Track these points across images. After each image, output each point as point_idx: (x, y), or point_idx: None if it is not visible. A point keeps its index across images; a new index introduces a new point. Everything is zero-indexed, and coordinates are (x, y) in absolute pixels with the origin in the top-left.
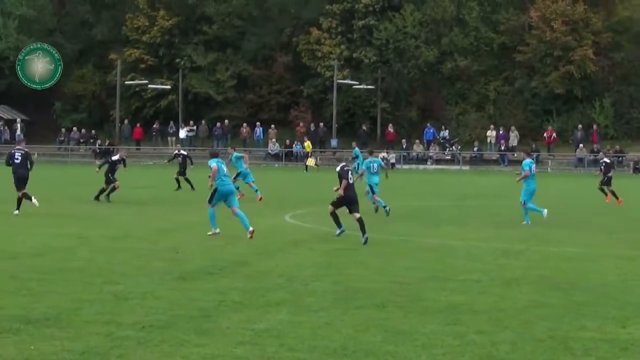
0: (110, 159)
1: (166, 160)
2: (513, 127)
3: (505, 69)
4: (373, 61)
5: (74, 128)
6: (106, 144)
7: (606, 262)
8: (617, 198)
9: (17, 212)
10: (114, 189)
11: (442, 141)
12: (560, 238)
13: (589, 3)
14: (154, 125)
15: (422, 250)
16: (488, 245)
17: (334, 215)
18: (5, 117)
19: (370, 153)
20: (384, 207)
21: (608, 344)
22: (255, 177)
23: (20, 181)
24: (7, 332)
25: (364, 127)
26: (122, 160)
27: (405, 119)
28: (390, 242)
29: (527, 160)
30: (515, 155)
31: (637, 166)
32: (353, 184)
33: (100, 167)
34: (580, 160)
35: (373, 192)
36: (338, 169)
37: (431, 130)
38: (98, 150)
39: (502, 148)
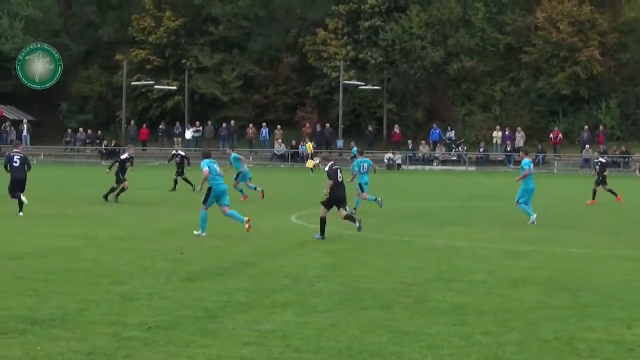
0: (119, 158)
1: (166, 161)
2: (519, 128)
3: (511, 70)
4: (379, 62)
5: (80, 129)
6: (112, 144)
7: (612, 263)
8: (615, 195)
9: (21, 213)
10: (122, 189)
11: (448, 142)
12: (566, 239)
13: (595, 4)
14: (160, 126)
15: (428, 251)
16: (494, 246)
17: (323, 222)
18: (11, 118)
19: (361, 153)
20: (375, 199)
21: (614, 345)
22: (260, 178)
23: (19, 186)
24: (13, 333)
25: (370, 128)
26: (130, 159)
27: (411, 119)
28: (396, 242)
29: (526, 160)
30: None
31: None
32: (342, 182)
33: (110, 168)
34: (587, 161)
35: (362, 191)
36: (327, 168)
37: (437, 131)
38: (104, 151)
39: (508, 149)
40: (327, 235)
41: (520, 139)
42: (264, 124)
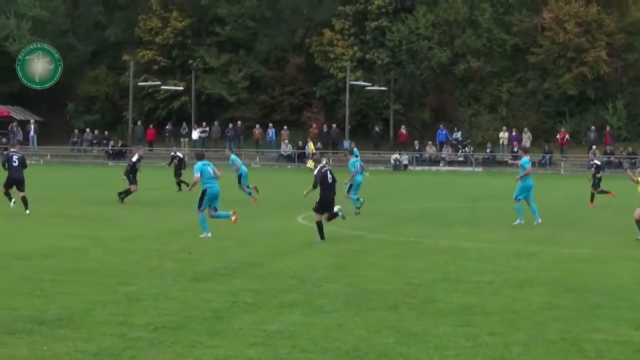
0: (131, 160)
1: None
2: (526, 129)
3: (518, 71)
4: (386, 62)
5: (87, 129)
6: (119, 145)
7: (619, 264)
8: (608, 192)
9: (27, 211)
10: (129, 192)
11: (454, 142)
12: (573, 240)
13: (602, 4)
14: (167, 127)
15: (434, 251)
16: (500, 246)
17: (319, 225)
18: (18, 118)
19: (351, 153)
20: (357, 201)
21: (621, 346)
22: (267, 179)
23: (19, 183)
24: (20, 333)
25: (377, 129)
26: (140, 159)
27: (418, 120)
28: (403, 243)
29: (526, 158)
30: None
31: None
32: (333, 184)
33: (126, 174)
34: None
35: (347, 192)
36: (315, 171)
37: (444, 132)
38: (111, 152)
39: (515, 149)
40: (326, 236)
41: (527, 139)
42: (270, 124)
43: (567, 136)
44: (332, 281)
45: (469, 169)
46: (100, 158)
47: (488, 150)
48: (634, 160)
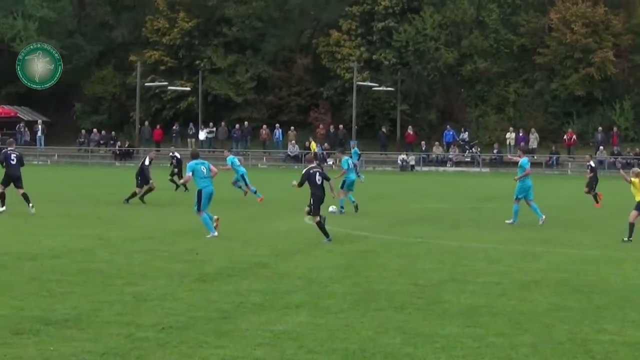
0: (144, 164)
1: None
2: (533, 129)
3: (525, 71)
4: (393, 63)
5: (94, 129)
6: (126, 145)
7: (626, 264)
8: (596, 202)
9: (31, 206)
10: (134, 194)
11: (461, 143)
12: (580, 240)
13: (609, 5)
14: (174, 127)
15: (441, 252)
16: (507, 247)
17: (320, 225)
18: (26, 119)
19: (343, 152)
20: (341, 207)
21: (628, 347)
22: (273, 179)
23: (16, 181)
24: (27, 333)
25: (384, 129)
26: (151, 162)
27: (425, 121)
28: (409, 244)
29: (525, 159)
30: (535, 157)
31: None
32: (322, 184)
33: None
34: (601, 162)
35: (341, 187)
36: (304, 170)
37: (451, 133)
38: (118, 152)
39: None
40: (332, 235)
41: (534, 140)
42: (277, 125)
43: (574, 137)
44: (339, 282)
45: (476, 169)
46: (107, 158)
47: (495, 151)
48: None
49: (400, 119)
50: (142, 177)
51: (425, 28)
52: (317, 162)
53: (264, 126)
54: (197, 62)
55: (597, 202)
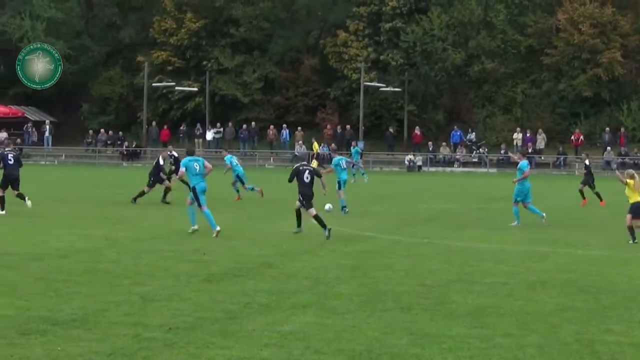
0: (158, 163)
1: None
2: (540, 130)
3: (532, 72)
4: (400, 64)
5: (102, 130)
6: (133, 145)
7: (633, 265)
8: (583, 198)
9: (28, 201)
10: (142, 193)
11: (469, 144)
12: (587, 241)
13: (617, 6)
14: (181, 127)
15: (448, 252)
16: (514, 248)
17: (316, 218)
18: (33, 119)
19: (335, 151)
20: (343, 207)
21: (635, 348)
22: (280, 179)
23: (14, 182)
24: (34, 334)
25: (391, 130)
26: (164, 161)
27: (432, 121)
28: (416, 244)
29: (525, 162)
30: (542, 158)
31: None
32: (310, 182)
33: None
34: (608, 163)
35: (339, 188)
36: (294, 167)
37: (458, 133)
38: (125, 152)
39: (530, 151)
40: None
41: (541, 141)
42: (284, 125)
43: (581, 137)
44: (346, 282)
45: (483, 170)
46: (114, 159)
47: (502, 152)
48: None
49: (408, 119)
50: (155, 176)
51: (432, 28)
52: (317, 162)
53: (271, 126)
54: (205, 62)
55: (588, 199)
